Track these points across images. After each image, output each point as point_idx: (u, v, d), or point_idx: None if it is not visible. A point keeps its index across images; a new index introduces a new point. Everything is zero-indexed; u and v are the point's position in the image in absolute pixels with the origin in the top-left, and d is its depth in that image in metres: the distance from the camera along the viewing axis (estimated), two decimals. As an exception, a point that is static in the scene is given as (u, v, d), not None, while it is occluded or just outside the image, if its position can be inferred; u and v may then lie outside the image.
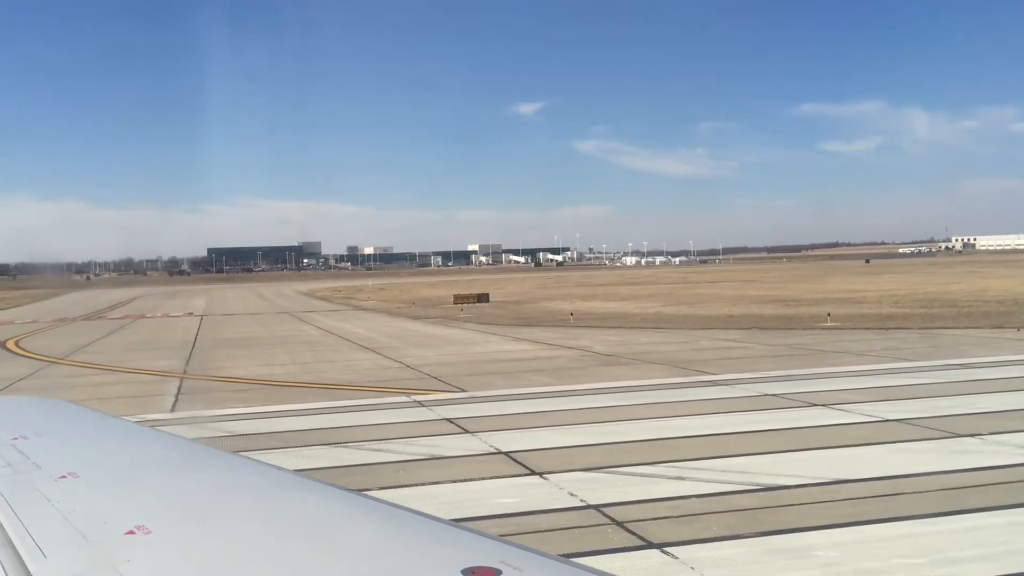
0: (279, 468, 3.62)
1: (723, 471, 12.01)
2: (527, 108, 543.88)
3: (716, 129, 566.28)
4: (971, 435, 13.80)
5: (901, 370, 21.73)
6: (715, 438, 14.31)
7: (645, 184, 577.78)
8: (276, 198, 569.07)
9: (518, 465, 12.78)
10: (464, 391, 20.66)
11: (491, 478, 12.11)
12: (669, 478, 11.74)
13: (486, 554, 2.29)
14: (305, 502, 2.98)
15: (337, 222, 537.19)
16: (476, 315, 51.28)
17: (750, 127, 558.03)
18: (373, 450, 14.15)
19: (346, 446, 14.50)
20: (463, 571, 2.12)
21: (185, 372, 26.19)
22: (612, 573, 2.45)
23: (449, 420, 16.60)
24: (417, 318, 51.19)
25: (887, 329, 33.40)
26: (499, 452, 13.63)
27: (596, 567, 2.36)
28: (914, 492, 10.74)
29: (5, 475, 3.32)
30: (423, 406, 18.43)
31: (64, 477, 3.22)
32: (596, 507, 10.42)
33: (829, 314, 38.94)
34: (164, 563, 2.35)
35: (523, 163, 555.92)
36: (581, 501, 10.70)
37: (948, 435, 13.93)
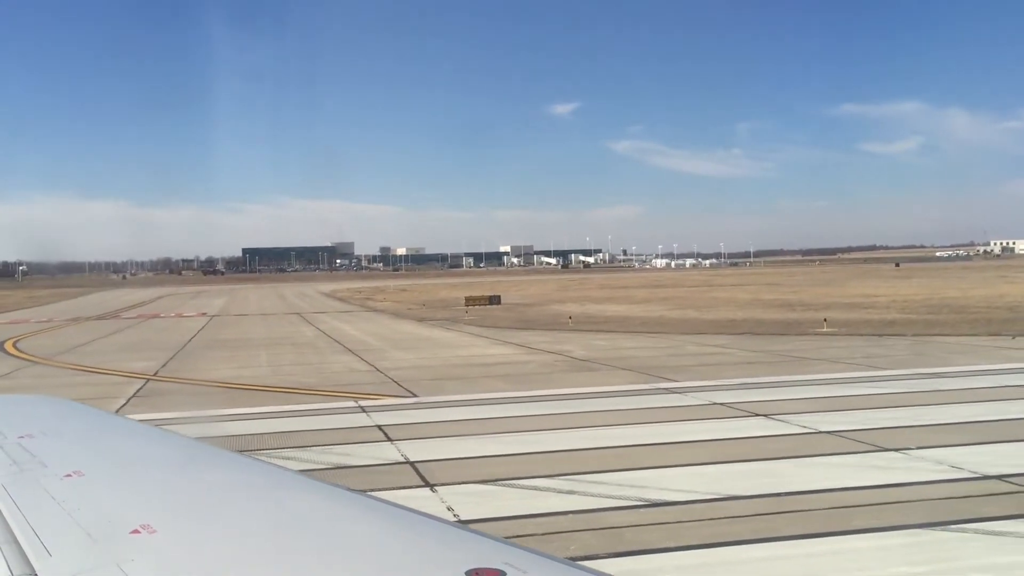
0: (284, 468, 3.61)
1: (619, 485, 11.61)
2: (562, 108, 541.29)
3: (753, 130, 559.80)
4: (896, 449, 13.27)
5: (866, 379, 21.10)
6: (630, 449, 13.89)
7: (680, 185, 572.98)
8: (313, 198, 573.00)
9: (417, 476, 12.49)
10: (415, 396, 20.42)
11: (381, 490, 11.78)
12: (560, 492, 11.37)
13: (490, 555, 2.28)
14: (310, 502, 2.97)
15: (372, 222, 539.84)
16: (480, 317, 51.10)
17: (788, 128, 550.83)
18: (284, 458, 13.88)
19: (258, 453, 14.28)
20: (467, 572, 2.09)
21: (156, 374, 26.20)
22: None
23: (379, 427, 16.34)
24: (421, 320, 51.08)
25: (881, 336, 32.64)
26: (407, 462, 13.35)
27: (601, 570, 2.31)
28: (800, 511, 10.28)
29: (11, 473, 3.31)
30: (364, 412, 18.20)
31: (70, 476, 3.21)
32: (464, 523, 10.09)
33: (825, 320, 38.20)
34: (169, 562, 2.34)
35: (557, 163, 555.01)
36: (454, 516, 10.38)
37: (873, 449, 13.41)
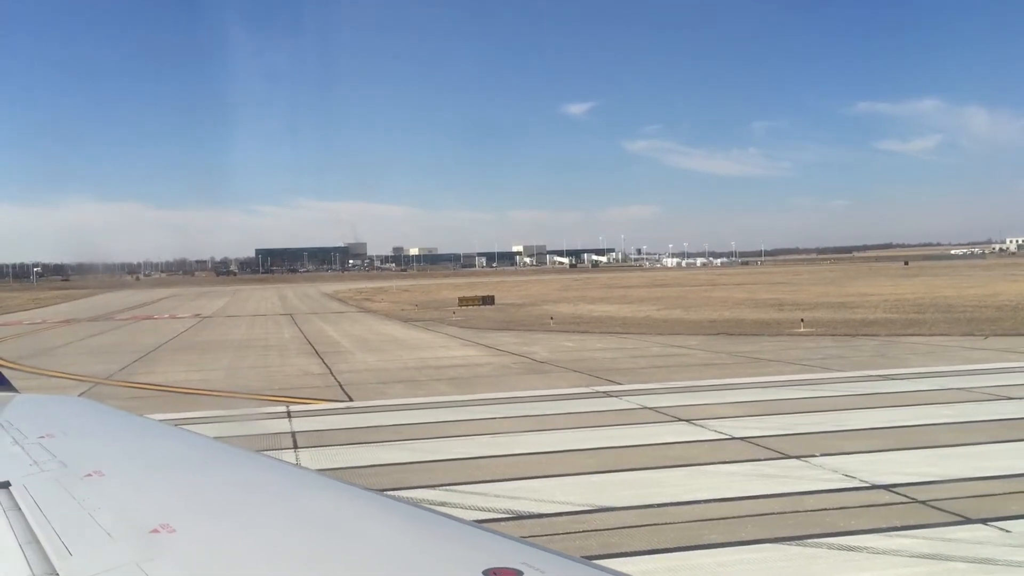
0: (302, 467, 3.89)
1: (497, 496, 11.30)
2: (577, 108, 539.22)
3: (770, 128, 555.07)
4: (800, 456, 12.91)
5: (811, 381, 20.66)
6: (529, 457, 13.59)
7: (696, 184, 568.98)
8: (328, 199, 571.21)
9: (298, 485, 12.20)
10: (351, 401, 20.17)
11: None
12: (432, 504, 11.06)
13: (508, 555, 2.26)
14: (328, 501, 2.98)
15: (386, 223, 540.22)
16: (467, 318, 50.88)
17: (805, 126, 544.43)
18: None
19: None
20: (484, 572, 2.07)
21: (109, 378, 26.08)
22: None
23: (293, 433, 16.12)
24: (407, 321, 50.87)
25: (853, 336, 32.14)
26: (297, 470, 13.06)
27: (618, 569, 2.30)
28: (663, 523, 9.93)
29: (32, 473, 3.33)
30: (288, 417, 17.96)
31: (90, 475, 3.23)
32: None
33: (803, 320, 37.72)
34: (188, 561, 2.35)
35: (572, 163, 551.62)
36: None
37: (776, 456, 13.04)
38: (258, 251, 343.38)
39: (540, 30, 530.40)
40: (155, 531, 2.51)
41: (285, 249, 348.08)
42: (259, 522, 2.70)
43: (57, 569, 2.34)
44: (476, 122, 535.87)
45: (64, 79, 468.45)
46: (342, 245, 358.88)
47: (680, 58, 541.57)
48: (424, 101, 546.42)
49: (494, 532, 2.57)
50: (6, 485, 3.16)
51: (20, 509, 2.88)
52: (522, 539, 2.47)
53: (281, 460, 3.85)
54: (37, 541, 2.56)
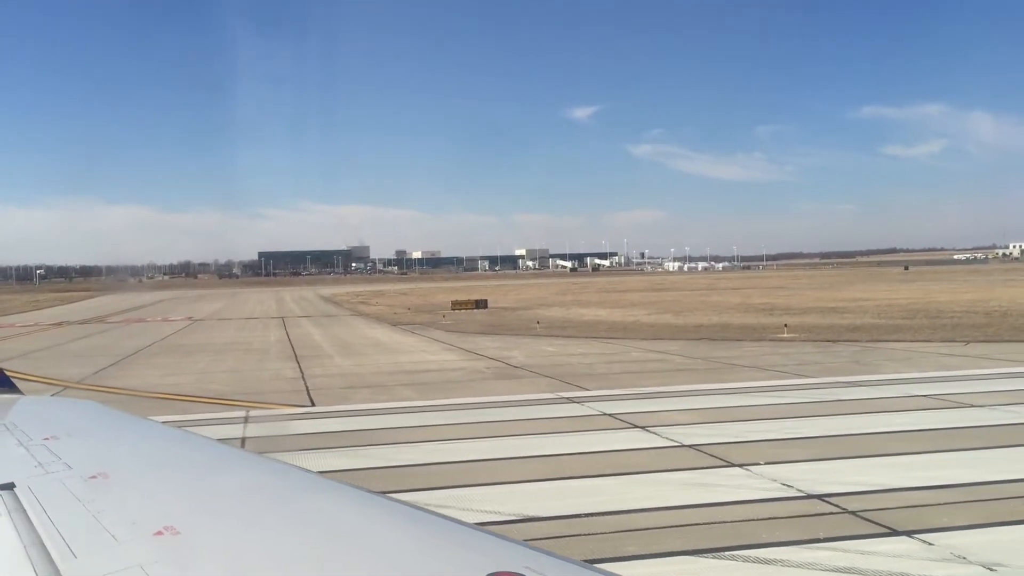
0: (305, 470, 3.65)
1: (426, 504, 11.04)
2: (582, 112, 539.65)
3: (774, 133, 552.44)
4: (743, 464, 12.73)
5: (778, 388, 20.51)
6: (473, 464, 13.43)
7: (701, 189, 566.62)
8: (331, 202, 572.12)
9: (232, 492, 12.07)
10: (313, 406, 20.06)
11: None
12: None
13: (511, 559, 2.27)
14: (331, 504, 2.99)
15: (389, 226, 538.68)
16: (456, 322, 50.81)
17: (809, 130, 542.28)
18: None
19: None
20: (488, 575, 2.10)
21: (80, 382, 26.01)
22: None
23: (244, 439, 16.00)
24: (395, 324, 50.81)
25: (834, 342, 31.93)
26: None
27: (622, 573, 2.28)
28: (584, 535, 9.77)
29: (36, 475, 3.35)
30: (245, 423, 17.84)
31: (94, 477, 3.24)
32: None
33: (786, 325, 37.55)
34: (192, 564, 2.35)
35: (576, 167, 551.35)
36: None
37: (719, 464, 12.87)
38: (261, 254, 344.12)
39: (544, 34, 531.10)
40: (159, 533, 2.51)
41: (288, 252, 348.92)
42: (263, 524, 2.71)
43: (61, 571, 2.34)
44: (480, 126, 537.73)
45: (69, 83, 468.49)
46: (345, 248, 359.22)
47: (684, 62, 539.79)
48: (428, 105, 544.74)
49: (497, 535, 2.56)
50: (11, 487, 3.14)
51: (25, 511, 2.88)
52: (525, 542, 2.46)
53: (286, 463, 3.85)
54: (41, 543, 2.57)
